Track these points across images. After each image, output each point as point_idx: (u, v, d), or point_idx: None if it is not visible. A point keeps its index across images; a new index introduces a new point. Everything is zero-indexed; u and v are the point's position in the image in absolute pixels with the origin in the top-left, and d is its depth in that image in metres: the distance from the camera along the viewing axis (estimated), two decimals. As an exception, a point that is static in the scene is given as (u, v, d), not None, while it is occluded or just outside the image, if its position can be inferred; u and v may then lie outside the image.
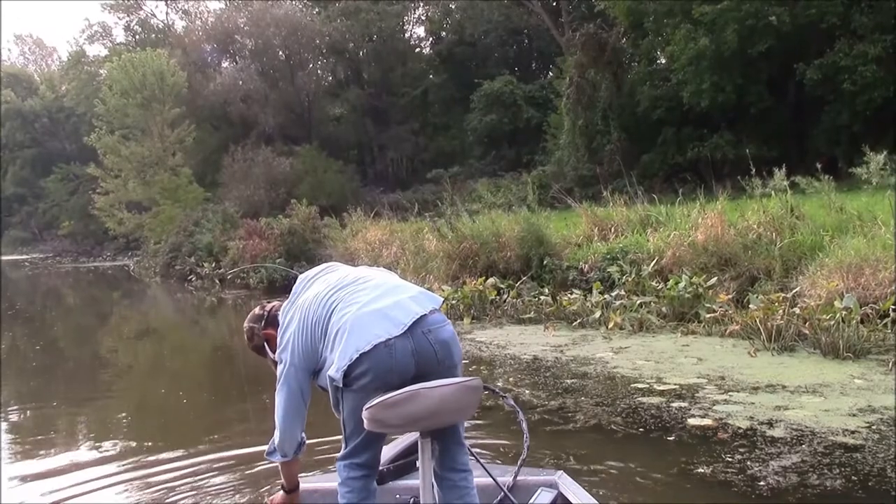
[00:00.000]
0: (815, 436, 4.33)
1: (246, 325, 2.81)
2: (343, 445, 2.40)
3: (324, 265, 2.79)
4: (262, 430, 5.63)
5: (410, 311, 2.29)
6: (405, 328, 2.24)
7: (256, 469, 4.53)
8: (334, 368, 2.25)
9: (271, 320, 2.73)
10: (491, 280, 10.32)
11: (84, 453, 5.32)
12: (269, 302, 2.88)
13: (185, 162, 31.91)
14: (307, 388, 2.53)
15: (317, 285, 2.57)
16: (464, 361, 7.35)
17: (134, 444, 5.49)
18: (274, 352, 2.64)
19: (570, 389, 5.90)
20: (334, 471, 2.50)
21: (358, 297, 2.37)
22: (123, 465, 4.88)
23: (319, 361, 2.45)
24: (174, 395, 7.48)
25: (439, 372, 2.28)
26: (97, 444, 5.59)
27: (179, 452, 5.05)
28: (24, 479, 4.67)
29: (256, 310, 2.82)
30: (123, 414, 6.79)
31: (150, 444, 5.40)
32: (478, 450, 4.69)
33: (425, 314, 2.30)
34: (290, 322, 2.53)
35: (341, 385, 2.26)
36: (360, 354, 2.19)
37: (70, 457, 5.18)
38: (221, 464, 4.79)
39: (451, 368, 2.32)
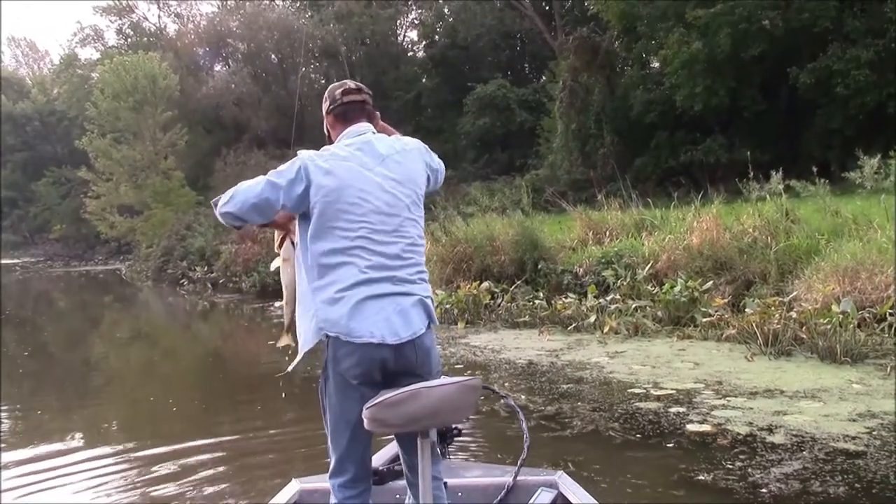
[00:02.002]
0: (815, 442, 4.29)
1: (338, 87, 2.45)
2: (330, 458, 2.33)
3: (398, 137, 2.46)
4: (254, 427, 5.61)
5: (411, 326, 2.25)
6: (399, 342, 2.22)
7: (247, 465, 4.50)
8: (324, 319, 2.19)
9: (342, 116, 2.39)
10: (485, 284, 10.27)
11: (75, 455, 5.27)
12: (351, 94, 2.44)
13: (177, 165, 31.77)
14: (286, 207, 2.24)
15: (381, 172, 2.28)
16: (458, 366, 7.30)
17: (124, 446, 5.45)
18: (327, 139, 2.41)
19: (566, 394, 5.85)
20: None
21: (379, 274, 2.24)
22: (114, 467, 4.89)
23: (311, 216, 2.24)
24: (164, 400, 7.39)
25: (419, 375, 2.24)
26: (87, 447, 5.55)
27: (168, 451, 5.07)
28: (9, 480, 4.61)
29: (338, 92, 2.42)
30: (113, 418, 6.72)
31: (139, 445, 5.38)
32: (477, 450, 4.67)
33: (422, 332, 2.27)
34: (344, 164, 2.25)
35: (329, 334, 2.19)
36: (350, 339, 2.17)
37: (62, 459, 5.15)
38: (211, 457, 4.82)
39: (426, 375, 2.29)
